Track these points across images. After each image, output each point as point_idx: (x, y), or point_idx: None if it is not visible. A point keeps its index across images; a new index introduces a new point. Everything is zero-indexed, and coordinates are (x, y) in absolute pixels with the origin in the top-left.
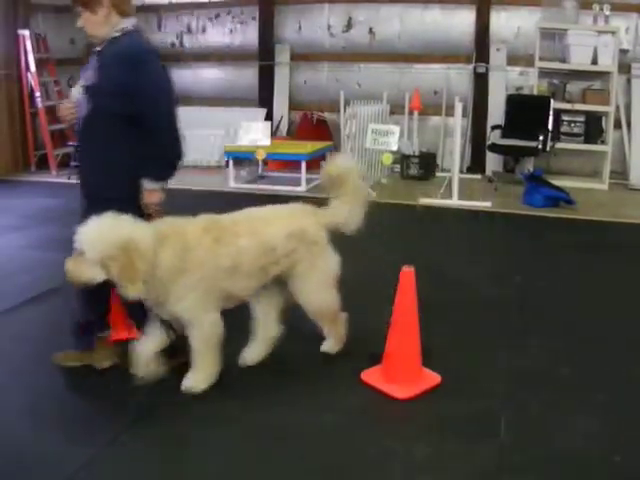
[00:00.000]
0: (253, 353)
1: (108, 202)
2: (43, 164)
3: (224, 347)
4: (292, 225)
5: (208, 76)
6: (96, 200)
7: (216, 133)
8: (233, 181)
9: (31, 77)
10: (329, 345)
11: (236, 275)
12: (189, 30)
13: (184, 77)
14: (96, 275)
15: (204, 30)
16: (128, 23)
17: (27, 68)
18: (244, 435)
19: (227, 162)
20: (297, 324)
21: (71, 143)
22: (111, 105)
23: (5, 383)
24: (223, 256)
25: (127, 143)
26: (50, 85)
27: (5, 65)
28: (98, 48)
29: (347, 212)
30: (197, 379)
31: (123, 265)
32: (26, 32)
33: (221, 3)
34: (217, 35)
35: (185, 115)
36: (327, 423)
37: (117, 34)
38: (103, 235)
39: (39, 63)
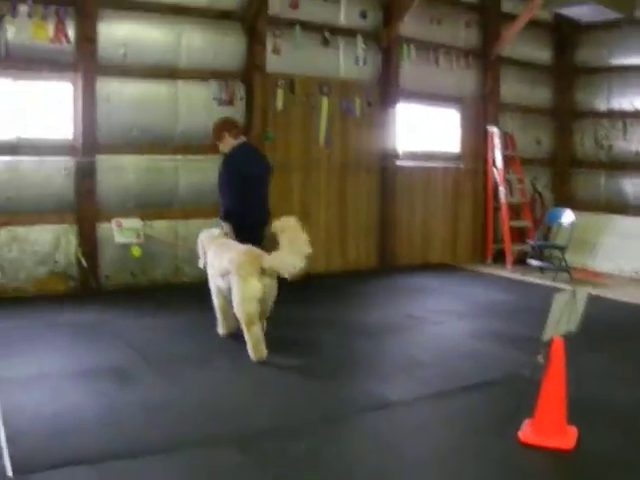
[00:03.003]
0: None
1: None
2: (500, 258)
3: None
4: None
5: None
6: None
7: None
8: None
9: (497, 173)
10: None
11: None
12: None
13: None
14: None
15: None
16: (236, 142)
17: (494, 164)
18: None
19: None
20: None
21: (529, 241)
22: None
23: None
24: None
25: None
26: (514, 182)
27: (473, 159)
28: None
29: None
30: None
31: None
32: (495, 129)
33: None
34: None
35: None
36: None
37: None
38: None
39: (505, 160)
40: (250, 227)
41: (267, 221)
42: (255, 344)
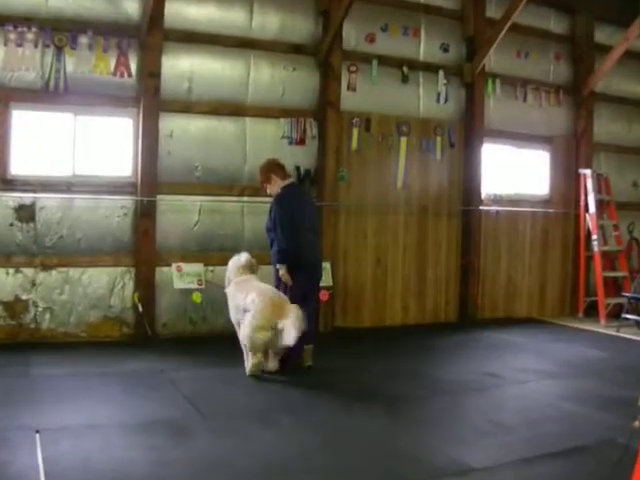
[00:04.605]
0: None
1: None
2: (592, 312)
3: None
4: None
5: None
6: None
7: None
8: None
9: (589, 218)
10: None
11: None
12: None
13: None
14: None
15: None
16: (284, 183)
17: (586, 209)
18: None
19: None
20: None
21: (625, 294)
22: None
23: None
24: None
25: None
26: (609, 229)
27: (564, 204)
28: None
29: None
30: None
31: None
32: (587, 171)
33: None
34: None
35: None
36: None
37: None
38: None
39: (599, 204)
40: (307, 267)
41: (321, 260)
42: (254, 365)
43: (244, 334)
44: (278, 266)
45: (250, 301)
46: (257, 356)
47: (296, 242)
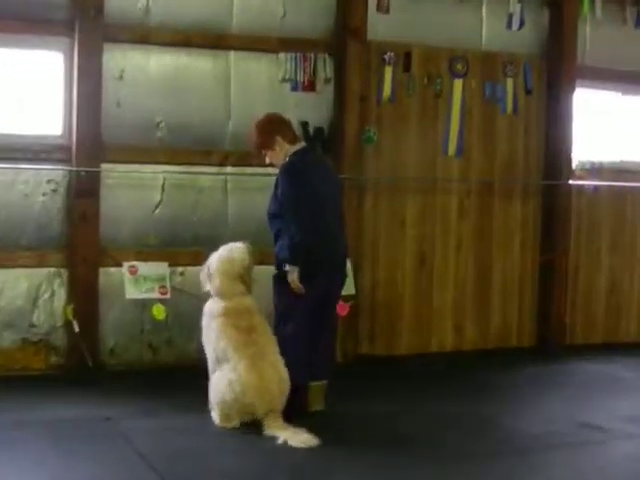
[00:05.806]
0: None
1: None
2: None
3: None
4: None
5: None
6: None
7: None
8: None
9: None
10: None
11: None
12: None
13: None
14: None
15: None
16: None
17: None
18: None
19: None
20: None
21: None
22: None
23: None
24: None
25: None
26: None
27: None
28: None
29: None
30: None
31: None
32: None
33: None
34: None
35: None
36: None
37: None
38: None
39: None
40: (329, 266)
41: (347, 256)
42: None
43: (214, 393)
44: (287, 267)
45: (234, 373)
46: (232, 423)
47: (314, 231)
